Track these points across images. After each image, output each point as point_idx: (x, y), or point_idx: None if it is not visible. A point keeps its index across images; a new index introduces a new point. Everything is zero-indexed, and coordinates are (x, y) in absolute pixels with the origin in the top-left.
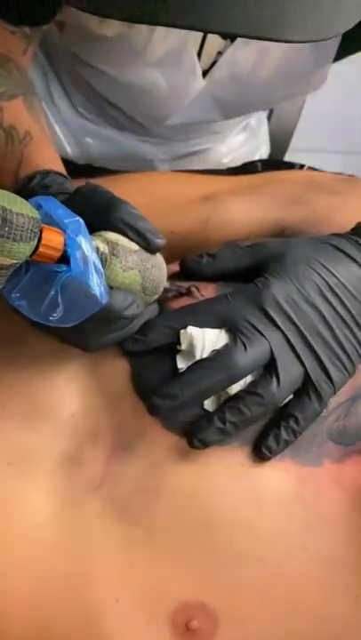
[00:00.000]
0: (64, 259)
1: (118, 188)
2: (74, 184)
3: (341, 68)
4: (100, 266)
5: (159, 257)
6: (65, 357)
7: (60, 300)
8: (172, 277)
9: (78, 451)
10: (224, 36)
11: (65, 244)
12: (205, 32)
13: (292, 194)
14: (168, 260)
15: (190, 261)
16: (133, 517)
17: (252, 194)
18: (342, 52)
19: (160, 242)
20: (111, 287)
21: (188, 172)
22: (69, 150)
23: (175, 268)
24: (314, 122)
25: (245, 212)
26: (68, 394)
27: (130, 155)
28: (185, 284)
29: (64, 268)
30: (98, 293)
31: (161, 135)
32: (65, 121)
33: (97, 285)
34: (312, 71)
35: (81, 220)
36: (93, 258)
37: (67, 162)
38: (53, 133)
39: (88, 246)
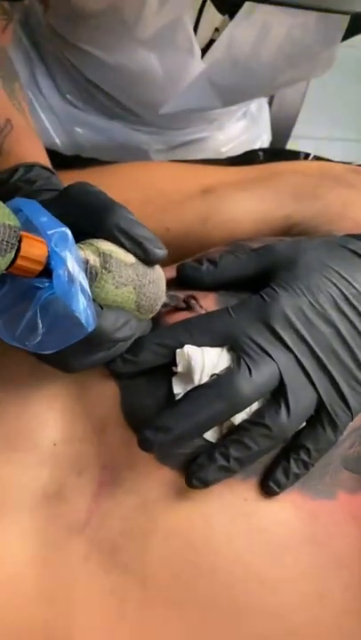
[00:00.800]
0: (47, 272)
1: (108, 180)
2: (60, 176)
3: (345, 53)
4: (87, 287)
5: (158, 270)
6: (45, 378)
7: (39, 322)
8: (167, 285)
9: (61, 485)
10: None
11: (48, 257)
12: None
13: (303, 187)
14: (162, 263)
15: (189, 268)
16: (123, 563)
17: (258, 187)
18: (351, 31)
19: (160, 252)
20: (101, 306)
21: (185, 162)
22: (57, 140)
23: (170, 272)
24: (315, 109)
25: (250, 208)
26: (49, 420)
27: (122, 145)
28: (182, 294)
29: (46, 283)
30: (83, 319)
31: (155, 123)
32: (52, 109)
33: (83, 309)
34: (318, 52)
35: (67, 230)
36: (80, 277)
37: (53, 153)
38: (40, 122)
39: (74, 263)
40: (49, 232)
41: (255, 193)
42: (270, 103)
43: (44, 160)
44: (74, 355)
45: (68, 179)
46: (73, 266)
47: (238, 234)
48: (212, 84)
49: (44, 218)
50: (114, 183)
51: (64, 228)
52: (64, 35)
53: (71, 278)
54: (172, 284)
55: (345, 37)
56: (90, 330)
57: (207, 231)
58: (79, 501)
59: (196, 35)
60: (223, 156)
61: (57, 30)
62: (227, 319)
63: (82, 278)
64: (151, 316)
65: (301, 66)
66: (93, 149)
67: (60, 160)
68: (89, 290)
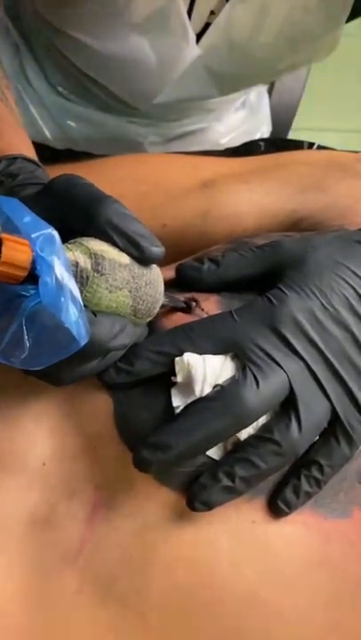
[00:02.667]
0: (32, 277)
1: (101, 173)
2: (49, 170)
3: (345, 42)
4: (78, 295)
5: (155, 270)
6: (32, 392)
7: (25, 335)
8: (165, 286)
9: (51, 509)
10: None
11: (33, 261)
12: None
13: (309, 179)
14: (160, 262)
15: (189, 268)
16: (120, 595)
17: (261, 179)
18: (357, 11)
19: (157, 251)
20: (94, 313)
21: (183, 154)
22: (49, 134)
23: (168, 273)
24: (315, 100)
25: (253, 201)
26: (37, 438)
27: (117, 137)
28: (181, 296)
29: (32, 291)
30: (75, 332)
31: (150, 115)
32: (43, 102)
33: (74, 321)
34: (321, 35)
35: (54, 231)
36: (70, 284)
37: (44, 147)
38: (29, 116)
39: (62, 268)
40: (33, 235)
41: (258, 185)
42: (270, 92)
43: (30, 152)
44: (64, 366)
45: (57, 172)
46: (61, 272)
47: (241, 229)
48: (208, 70)
49: (27, 218)
50: (107, 176)
51: (50, 230)
52: (52, 21)
53: (60, 286)
54: (170, 285)
55: (349, 19)
56: (82, 343)
57: (207, 227)
58: (71, 527)
59: (190, 18)
60: (222, 148)
61: (45, 17)
62: (230, 324)
63: (72, 285)
64: (149, 319)
65: (303, 50)
66: (86, 143)
67: (51, 154)
68: (80, 298)
